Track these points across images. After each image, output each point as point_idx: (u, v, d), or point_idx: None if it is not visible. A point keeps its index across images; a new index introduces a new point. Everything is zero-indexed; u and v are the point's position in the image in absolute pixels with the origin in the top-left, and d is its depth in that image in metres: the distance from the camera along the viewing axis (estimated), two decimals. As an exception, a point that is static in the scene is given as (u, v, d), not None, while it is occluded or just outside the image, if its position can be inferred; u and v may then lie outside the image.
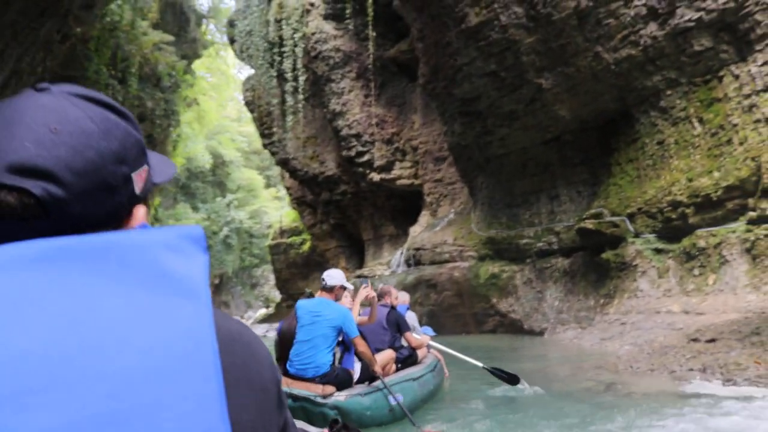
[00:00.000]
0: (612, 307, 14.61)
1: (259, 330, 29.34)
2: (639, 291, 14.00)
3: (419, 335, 9.01)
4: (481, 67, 16.94)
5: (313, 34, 25.40)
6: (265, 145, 29.90)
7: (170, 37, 32.71)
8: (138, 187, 0.86)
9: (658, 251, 13.97)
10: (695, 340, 9.78)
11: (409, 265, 21.48)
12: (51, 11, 21.53)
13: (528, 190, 18.64)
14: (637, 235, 14.48)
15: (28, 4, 19.79)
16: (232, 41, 30.79)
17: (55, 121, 0.77)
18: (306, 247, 37.15)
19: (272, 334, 26.35)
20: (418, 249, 21.25)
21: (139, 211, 0.87)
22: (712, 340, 9.39)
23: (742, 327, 9.43)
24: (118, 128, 0.83)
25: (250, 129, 58.82)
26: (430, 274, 19.95)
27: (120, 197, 0.82)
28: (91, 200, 0.77)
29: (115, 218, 0.83)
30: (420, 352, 8.60)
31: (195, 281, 0.73)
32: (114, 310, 0.66)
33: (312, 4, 25.72)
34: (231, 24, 30.54)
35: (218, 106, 53.13)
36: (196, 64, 39.18)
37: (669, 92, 14.23)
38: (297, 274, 38.24)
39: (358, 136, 25.40)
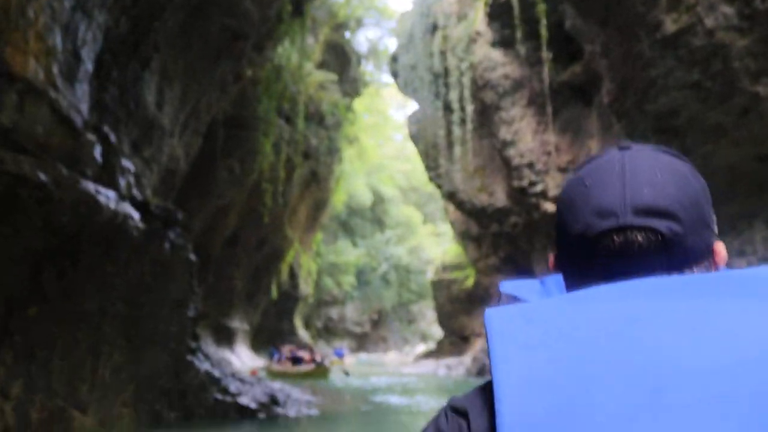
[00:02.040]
0: None
1: (425, 368, 28.46)
2: None
3: None
4: (681, 77, 15.31)
5: (480, 62, 24.71)
6: (430, 178, 29.38)
7: (333, 76, 33.43)
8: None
9: None
10: None
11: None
12: (226, 53, 22.35)
13: (737, 214, 16.52)
14: None
15: (207, 48, 20.58)
16: (395, 76, 30.81)
17: (655, 168, 0.83)
18: (470, 282, 36.10)
19: (442, 372, 25.73)
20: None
21: (721, 248, 0.88)
22: None
23: None
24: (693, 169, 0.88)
25: (408, 167, 59.29)
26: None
27: (710, 232, 0.86)
28: (697, 235, 0.82)
29: (708, 253, 0.85)
30: None
31: None
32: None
33: (478, 33, 25.09)
34: (394, 59, 30.62)
35: (377, 144, 53.90)
36: (356, 103, 39.93)
37: None
38: (460, 309, 37.21)
39: (530, 165, 24.20)
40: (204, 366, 9.54)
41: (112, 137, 7.99)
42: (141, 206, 8.45)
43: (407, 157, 59.85)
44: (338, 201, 43.19)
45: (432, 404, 12.75)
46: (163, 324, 9.15)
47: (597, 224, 0.81)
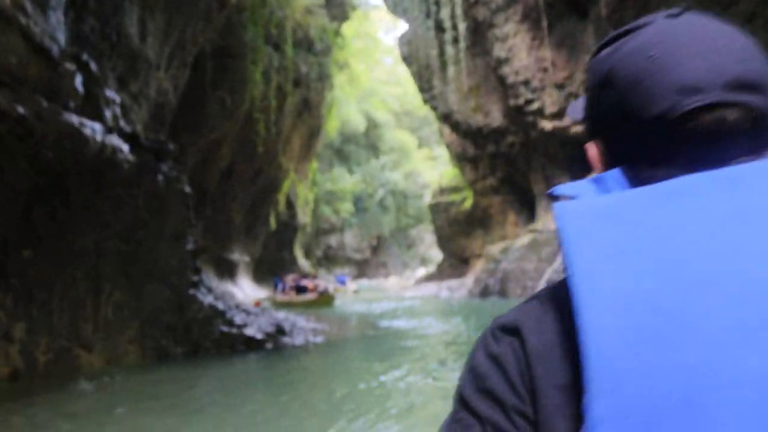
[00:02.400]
0: None
1: (426, 291, 28.66)
2: None
3: None
4: (682, -15, 14.75)
5: (472, -24, 23.83)
6: (424, 101, 28.85)
7: (320, 0, 32.36)
8: None
9: None
10: None
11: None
12: (211, -21, 21.52)
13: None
14: None
15: (190, -27, 19.81)
16: (384, -5, 29.85)
17: (729, 36, 0.72)
18: (468, 204, 36.04)
19: (444, 294, 25.87)
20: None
21: None
22: None
23: None
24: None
25: (400, 90, 58.37)
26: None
27: None
28: None
29: None
30: None
31: None
32: None
33: (469, -55, 24.12)
34: (383, -23, 29.57)
35: (367, 69, 52.83)
36: (345, 28, 38.80)
37: None
38: (459, 232, 37.29)
39: (526, 82, 23.69)
40: (207, 299, 9.42)
41: (93, 66, 7.59)
42: (130, 138, 8.12)
43: (398, 81, 58.84)
44: (331, 128, 42.61)
45: (437, 326, 12.77)
46: (162, 259, 8.98)
47: (680, 103, 0.68)
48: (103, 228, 8.30)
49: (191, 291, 9.27)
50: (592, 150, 0.82)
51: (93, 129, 6.93)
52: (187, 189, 9.35)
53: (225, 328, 9.34)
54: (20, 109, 5.78)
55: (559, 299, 0.67)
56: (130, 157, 7.93)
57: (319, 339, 10.23)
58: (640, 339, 0.56)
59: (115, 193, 8.21)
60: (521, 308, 0.72)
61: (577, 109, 0.92)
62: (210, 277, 33.40)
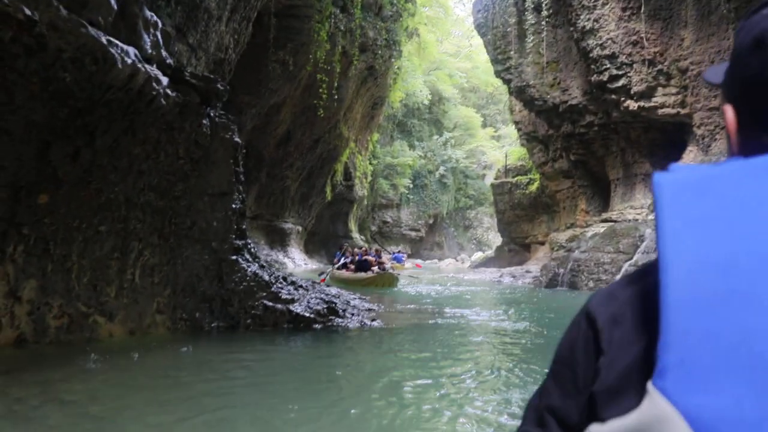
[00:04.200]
0: None
1: (486, 276, 27.12)
2: None
3: None
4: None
5: (560, -62, 21.85)
6: (497, 73, 26.99)
7: (394, -39, 30.70)
8: None
9: None
10: None
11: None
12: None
13: None
14: None
15: None
16: (462, -41, 27.93)
17: None
18: (534, 187, 34.18)
19: (507, 281, 24.26)
20: (695, 188, 17.43)
21: None
22: None
23: None
24: None
25: (468, 65, 56.30)
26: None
27: None
28: None
29: None
30: None
31: None
32: None
33: None
34: (462, -61, 27.63)
35: (436, 41, 50.93)
36: (416, -6, 37.06)
37: None
38: (522, 216, 35.52)
39: (612, 56, 21.70)
40: (252, 268, 8.16)
41: (132, -20, 6.29)
42: (172, 72, 6.84)
43: (467, 55, 56.76)
44: (395, 99, 41.04)
45: (503, 318, 11.33)
46: (202, 218, 7.74)
47: None
48: (136, 177, 7.08)
49: (233, 257, 8.01)
50: (729, 114, 0.80)
51: (124, 51, 5.65)
52: (237, 139, 8.05)
53: (269, 303, 8.06)
54: (29, 13, 4.54)
55: (641, 280, 0.72)
56: (171, 94, 6.64)
57: (375, 323, 8.86)
58: (708, 301, 0.60)
59: (151, 137, 6.96)
60: (613, 288, 0.77)
61: (716, 73, 0.86)
62: (260, 245, 32.64)
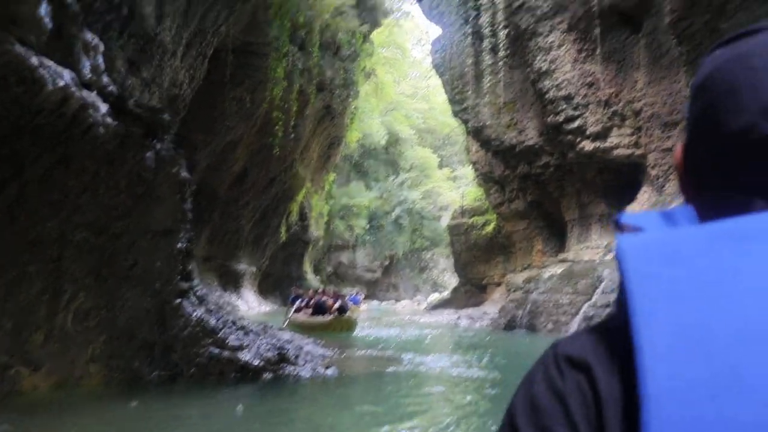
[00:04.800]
0: None
1: (443, 318, 26.71)
2: None
3: None
4: (771, -12, 12.96)
5: (516, -19, 22.12)
6: (454, 113, 27.02)
7: (351, 0, 30.72)
8: None
9: None
10: None
11: (639, 249, 17.67)
12: (237, -36, 19.98)
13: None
14: None
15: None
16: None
17: None
18: (490, 228, 34.10)
19: (464, 323, 23.83)
20: (653, 229, 17.41)
21: None
22: None
23: None
24: None
25: (425, 106, 56.68)
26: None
27: None
28: None
29: None
30: None
31: None
32: None
33: (515, -52, 22.42)
34: (419, -19, 27.87)
35: (393, 81, 51.18)
36: (374, 36, 37.19)
37: None
38: (478, 257, 35.32)
39: (568, 98, 21.85)
40: (197, 312, 7.56)
41: (72, 1, 5.75)
42: (115, 100, 6.31)
43: (424, 96, 57.17)
44: (352, 139, 40.84)
45: (463, 364, 10.87)
46: (145, 258, 7.15)
47: (763, 125, 0.64)
48: (70, 212, 6.49)
49: (177, 300, 7.41)
50: (677, 150, 0.78)
51: (57, 73, 5.13)
52: (185, 174, 7.52)
53: (216, 350, 7.46)
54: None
55: (621, 337, 0.61)
56: (111, 123, 6.11)
57: (329, 372, 8.29)
58: (692, 390, 0.53)
59: (88, 168, 6.40)
60: (585, 340, 0.65)
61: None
62: (212, 287, 31.67)
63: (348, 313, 18.71)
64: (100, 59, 6.17)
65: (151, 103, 13.78)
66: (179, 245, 7.47)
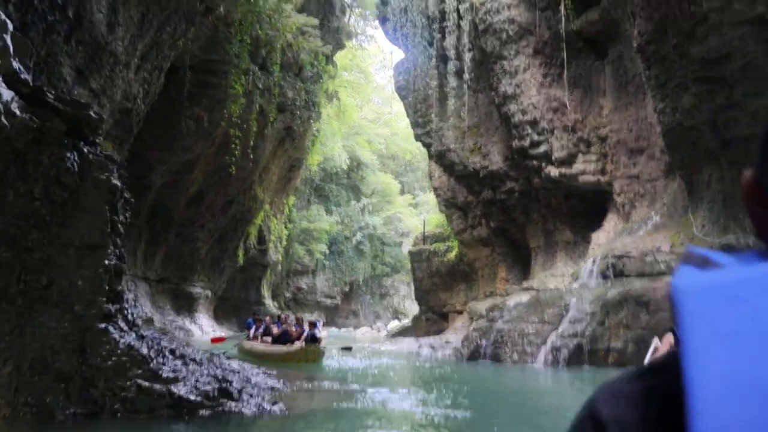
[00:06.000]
0: None
1: (404, 347, 25.86)
2: None
3: None
4: (741, 11, 12.68)
5: (482, 3, 21.80)
6: (417, 136, 26.47)
7: (314, 21, 30.10)
8: None
9: None
10: None
11: (605, 277, 17.20)
12: (195, -28, 19.20)
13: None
14: None
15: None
16: (383, 21, 27.66)
17: None
18: (452, 255, 33.49)
19: (426, 352, 22.96)
20: (620, 257, 16.96)
21: None
22: None
23: None
24: None
25: (387, 131, 56.29)
26: (641, 288, 15.64)
27: None
28: None
29: None
30: None
31: None
32: None
33: (481, -29, 22.13)
34: (383, 1, 27.39)
35: (356, 105, 50.69)
36: (337, 58, 36.63)
37: None
38: (440, 284, 34.66)
39: (533, 122, 21.48)
40: (126, 339, 6.64)
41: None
42: (23, 88, 5.43)
43: (387, 122, 56.83)
44: (313, 162, 40.05)
45: (425, 401, 10.06)
46: (64, 276, 6.22)
47: None
48: (-27, 221, 5.56)
49: (102, 325, 6.48)
50: (747, 180, 0.72)
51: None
52: (116, 181, 6.63)
53: (145, 383, 6.52)
54: None
55: (670, 393, 0.59)
56: (19, 115, 5.23)
57: (277, 408, 7.39)
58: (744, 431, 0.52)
59: (-5, 171, 5.50)
60: (629, 393, 0.62)
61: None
62: (165, 310, 30.33)
63: (312, 341, 17.27)
64: (8, 40, 5.30)
65: (76, 98, 12.81)
66: (106, 261, 6.56)
